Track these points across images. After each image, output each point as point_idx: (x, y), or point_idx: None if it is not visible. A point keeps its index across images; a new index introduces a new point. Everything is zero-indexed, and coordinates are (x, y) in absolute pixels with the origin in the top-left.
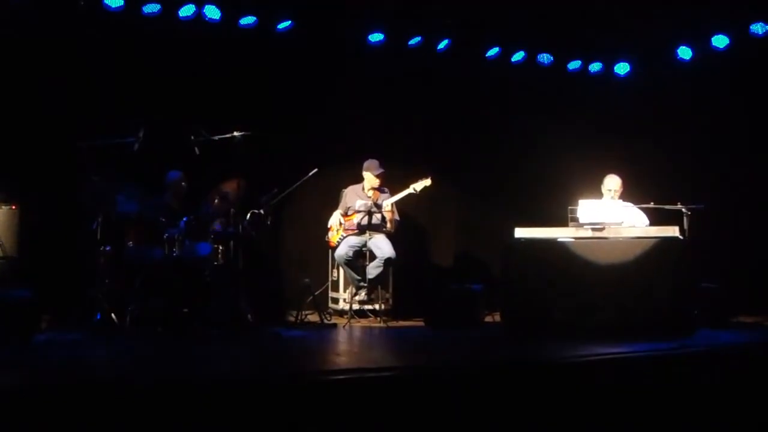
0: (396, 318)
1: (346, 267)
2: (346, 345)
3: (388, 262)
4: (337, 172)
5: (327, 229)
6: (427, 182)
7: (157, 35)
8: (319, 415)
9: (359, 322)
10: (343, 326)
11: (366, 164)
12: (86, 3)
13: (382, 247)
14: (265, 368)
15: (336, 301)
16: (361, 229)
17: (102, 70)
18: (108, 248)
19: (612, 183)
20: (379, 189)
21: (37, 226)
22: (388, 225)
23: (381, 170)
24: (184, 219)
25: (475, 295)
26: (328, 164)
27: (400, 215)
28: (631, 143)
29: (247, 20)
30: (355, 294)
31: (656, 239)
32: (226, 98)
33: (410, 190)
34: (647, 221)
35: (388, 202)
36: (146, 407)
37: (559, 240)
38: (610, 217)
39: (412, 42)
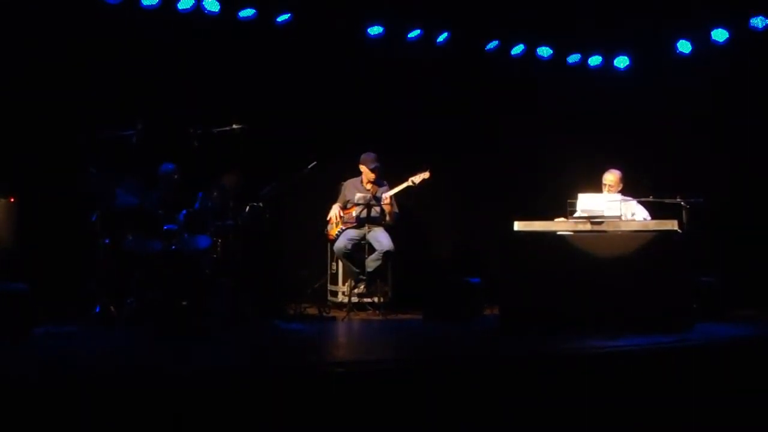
0: (395, 311)
1: (345, 260)
2: (345, 338)
3: (387, 255)
4: (336, 165)
5: (326, 222)
6: (426, 175)
7: (157, 28)
8: (318, 407)
9: (358, 315)
10: (342, 319)
11: (362, 157)
12: None
13: (381, 240)
14: (264, 361)
15: (335, 294)
16: (360, 222)
17: (101, 62)
18: (107, 241)
19: (607, 178)
20: (378, 182)
21: (35, 219)
22: (387, 218)
23: (376, 164)
24: (183, 212)
25: (473, 288)
26: (326, 157)
27: (398, 208)
28: (630, 136)
29: (246, 13)
30: (354, 287)
31: (655, 233)
32: (224, 91)
33: (409, 183)
34: (648, 216)
35: (386, 195)
36: (144, 400)
37: (558, 233)
38: (609, 210)
39: (411, 35)
